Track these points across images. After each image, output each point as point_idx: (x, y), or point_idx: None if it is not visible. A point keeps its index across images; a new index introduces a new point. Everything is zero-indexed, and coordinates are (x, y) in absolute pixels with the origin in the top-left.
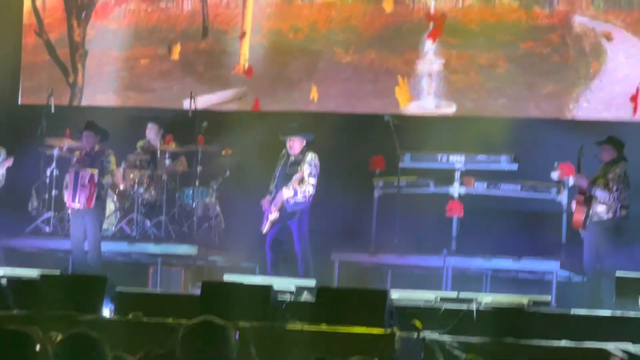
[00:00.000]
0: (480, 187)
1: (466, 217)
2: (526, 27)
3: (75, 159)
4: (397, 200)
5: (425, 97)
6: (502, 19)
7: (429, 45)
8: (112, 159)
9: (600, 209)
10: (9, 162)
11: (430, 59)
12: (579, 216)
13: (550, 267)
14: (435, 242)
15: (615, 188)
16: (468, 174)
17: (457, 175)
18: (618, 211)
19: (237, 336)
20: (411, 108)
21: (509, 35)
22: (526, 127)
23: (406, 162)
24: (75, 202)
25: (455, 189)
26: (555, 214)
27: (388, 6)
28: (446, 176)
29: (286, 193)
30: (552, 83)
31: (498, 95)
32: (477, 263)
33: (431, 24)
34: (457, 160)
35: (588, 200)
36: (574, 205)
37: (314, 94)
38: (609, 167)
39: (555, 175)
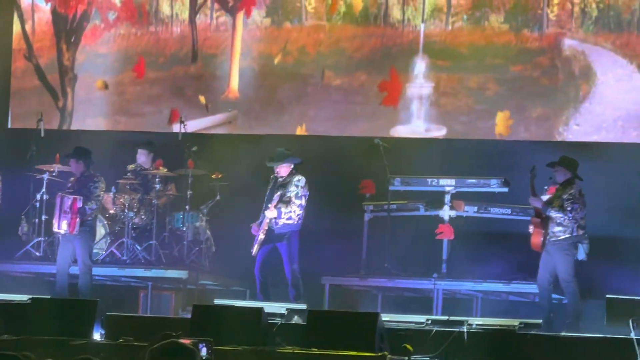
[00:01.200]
0: (470, 210)
1: (456, 240)
2: (516, 50)
3: (69, 184)
4: (387, 223)
5: (415, 120)
6: (492, 42)
7: (419, 69)
8: (101, 185)
9: (557, 229)
10: None
11: (420, 82)
12: (537, 238)
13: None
14: (425, 266)
15: (570, 208)
16: (458, 197)
17: (448, 198)
18: (575, 231)
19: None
20: (401, 131)
21: (498, 58)
22: (516, 149)
23: (396, 185)
24: (59, 228)
25: (446, 212)
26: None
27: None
28: (436, 199)
29: (269, 214)
30: (541, 106)
31: (488, 118)
32: (468, 286)
33: (385, 93)
34: (448, 184)
35: (545, 222)
36: (531, 228)
37: (302, 131)
38: (564, 187)
39: (545, 198)
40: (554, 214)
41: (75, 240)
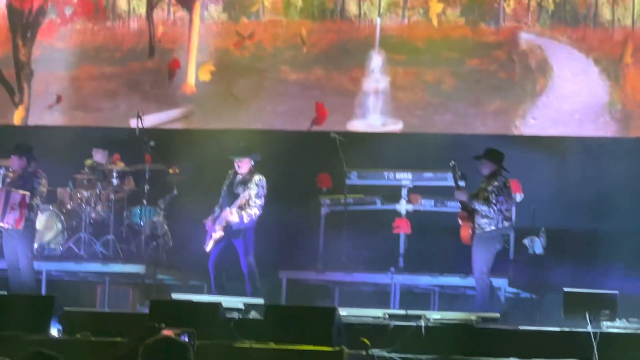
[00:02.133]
0: (427, 204)
1: (413, 234)
2: (472, 44)
3: (9, 180)
4: (344, 217)
5: (371, 114)
6: (448, 36)
7: (376, 63)
8: (44, 181)
9: (482, 221)
10: None
11: (377, 77)
12: (465, 231)
13: (498, 283)
14: (382, 260)
15: (494, 201)
16: (415, 191)
17: (404, 192)
18: (500, 223)
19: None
20: (358, 125)
21: (454, 52)
22: (473, 143)
23: (353, 179)
24: (4, 222)
25: (402, 206)
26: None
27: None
28: (393, 193)
29: (231, 217)
30: (498, 99)
31: (444, 112)
32: (425, 280)
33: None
34: (404, 178)
35: (472, 215)
36: (459, 221)
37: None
38: (489, 180)
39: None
40: (479, 207)
41: (16, 236)
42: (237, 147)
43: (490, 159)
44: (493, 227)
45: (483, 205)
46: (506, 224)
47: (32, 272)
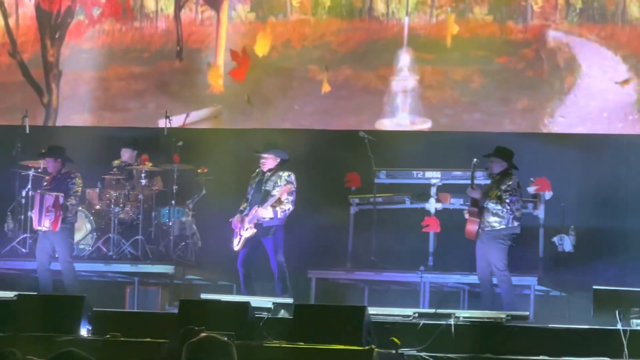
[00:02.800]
0: (456, 203)
1: (443, 233)
2: (500, 42)
3: (45, 183)
4: (373, 216)
5: (400, 113)
6: (476, 34)
7: (404, 62)
8: (78, 180)
9: (492, 220)
10: None
11: (405, 75)
12: (472, 227)
13: (528, 282)
14: (412, 258)
15: (508, 200)
16: (444, 190)
17: (433, 191)
18: (510, 222)
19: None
20: (386, 124)
21: (483, 51)
22: (501, 141)
23: (382, 178)
24: (41, 225)
25: (432, 205)
26: (532, 228)
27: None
28: (422, 192)
29: (264, 213)
30: (526, 98)
31: (473, 110)
32: (455, 279)
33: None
34: (433, 176)
35: (481, 212)
36: (466, 216)
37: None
38: (502, 178)
39: (531, 190)
40: (493, 206)
41: (54, 237)
42: (263, 143)
43: (500, 157)
44: (504, 226)
45: (497, 205)
46: (516, 223)
47: (74, 274)
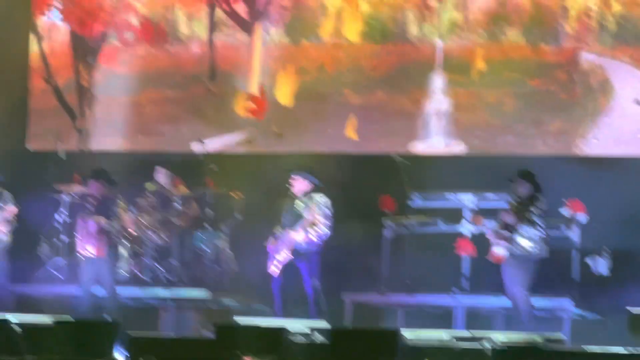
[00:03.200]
0: (490, 225)
1: (477, 255)
2: (533, 64)
3: (87, 206)
4: (407, 239)
5: (433, 136)
6: (509, 57)
7: (437, 85)
8: (122, 205)
9: (525, 243)
10: (14, 211)
11: (439, 98)
12: (501, 251)
13: (563, 304)
14: (446, 281)
15: (541, 225)
16: (477, 213)
17: (467, 213)
18: (541, 246)
19: None
20: (420, 147)
21: (516, 73)
22: (534, 164)
23: (416, 201)
24: (85, 250)
25: (465, 228)
26: (566, 250)
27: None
28: (456, 215)
29: (297, 236)
30: (559, 120)
31: (506, 133)
32: (489, 301)
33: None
34: (467, 199)
35: (510, 236)
36: (494, 240)
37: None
38: (532, 201)
39: (564, 212)
40: (527, 229)
41: (99, 263)
42: (296, 164)
43: (528, 179)
44: (537, 250)
45: (531, 228)
46: (545, 247)
47: (117, 299)
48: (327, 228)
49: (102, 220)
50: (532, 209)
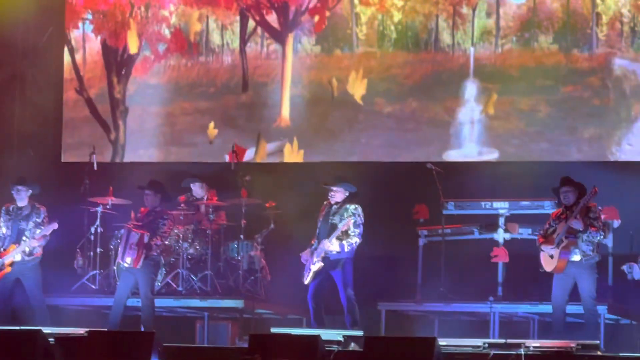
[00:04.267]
0: (525, 233)
1: (512, 263)
2: (566, 70)
3: (134, 215)
4: (442, 248)
5: (467, 144)
6: (542, 63)
7: (470, 93)
8: (169, 222)
9: (587, 249)
10: (54, 226)
11: (472, 106)
12: (563, 262)
13: (598, 310)
14: (481, 289)
15: (601, 228)
16: (512, 220)
17: (502, 221)
18: (596, 250)
19: None
20: (453, 155)
21: (549, 80)
22: (569, 171)
23: (450, 209)
24: (124, 260)
25: (500, 235)
26: (601, 256)
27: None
28: (490, 222)
29: (330, 246)
30: (593, 126)
31: (540, 140)
32: (524, 308)
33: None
34: (501, 206)
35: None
36: (552, 250)
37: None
38: (588, 207)
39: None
40: (594, 235)
41: (138, 274)
42: (332, 176)
43: (574, 186)
44: (595, 254)
45: (597, 234)
46: (598, 252)
47: (153, 310)
48: (358, 237)
49: (146, 234)
50: (590, 214)
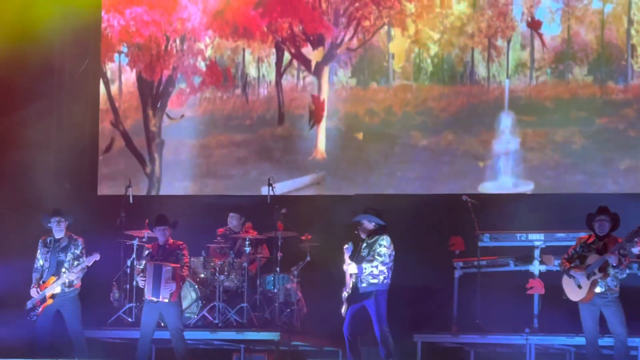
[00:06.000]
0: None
1: (547, 295)
2: (601, 102)
3: (147, 252)
4: (477, 279)
5: (502, 176)
6: (577, 95)
7: (505, 125)
8: (187, 252)
9: (613, 283)
10: (96, 257)
11: (507, 138)
12: (592, 292)
13: (635, 343)
14: (517, 321)
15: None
16: (548, 252)
17: (537, 253)
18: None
19: None
20: (489, 187)
21: (583, 111)
22: (604, 203)
23: (485, 241)
24: (159, 296)
25: (536, 267)
26: (638, 288)
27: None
28: (526, 254)
29: (349, 268)
30: (629, 158)
31: (575, 172)
32: (560, 340)
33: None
34: (537, 238)
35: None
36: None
37: None
38: (623, 241)
39: (636, 250)
40: (621, 271)
41: (164, 307)
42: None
43: (610, 217)
44: (618, 292)
45: (625, 271)
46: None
47: (185, 342)
48: (386, 267)
49: (176, 267)
50: (621, 250)
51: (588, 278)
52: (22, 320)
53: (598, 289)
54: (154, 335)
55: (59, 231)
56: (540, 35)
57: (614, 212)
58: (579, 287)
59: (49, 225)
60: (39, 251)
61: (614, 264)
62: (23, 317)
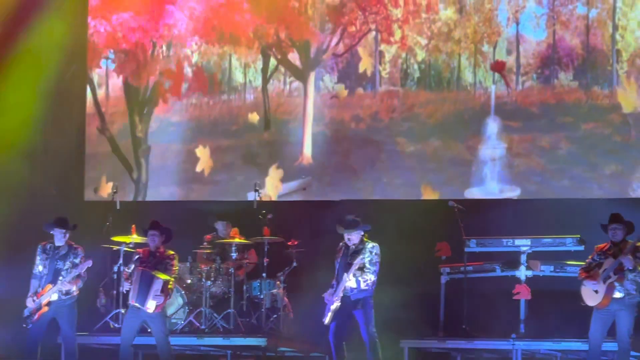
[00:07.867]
0: (546, 270)
1: (534, 300)
2: (586, 107)
3: (136, 257)
4: (464, 285)
5: (489, 181)
6: (562, 100)
7: (491, 130)
8: (177, 262)
9: (631, 288)
10: (89, 264)
11: (493, 144)
12: (609, 297)
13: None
14: (503, 326)
15: None
16: (534, 257)
17: (523, 258)
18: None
19: None
20: (475, 193)
21: (569, 117)
22: (590, 208)
23: (472, 247)
24: (144, 305)
25: (522, 272)
26: None
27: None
28: (512, 260)
29: (348, 283)
30: (614, 163)
31: (561, 177)
32: (547, 346)
33: None
34: (523, 244)
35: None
36: (596, 285)
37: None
38: (633, 246)
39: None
40: (636, 273)
41: (148, 313)
42: (343, 220)
43: (624, 224)
44: (637, 297)
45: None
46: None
47: (170, 348)
48: (374, 274)
49: (165, 280)
50: (637, 253)
51: (604, 282)
52: (15, 328)
53: (617, 294)
54: (141, 341)
55: (59, 239)
56: (504, 77)
57: (628, 220)
58: (596, 292)
59: (51, 232)
60: (38, 257)
61: (630, 267)
62: (18, 325)
